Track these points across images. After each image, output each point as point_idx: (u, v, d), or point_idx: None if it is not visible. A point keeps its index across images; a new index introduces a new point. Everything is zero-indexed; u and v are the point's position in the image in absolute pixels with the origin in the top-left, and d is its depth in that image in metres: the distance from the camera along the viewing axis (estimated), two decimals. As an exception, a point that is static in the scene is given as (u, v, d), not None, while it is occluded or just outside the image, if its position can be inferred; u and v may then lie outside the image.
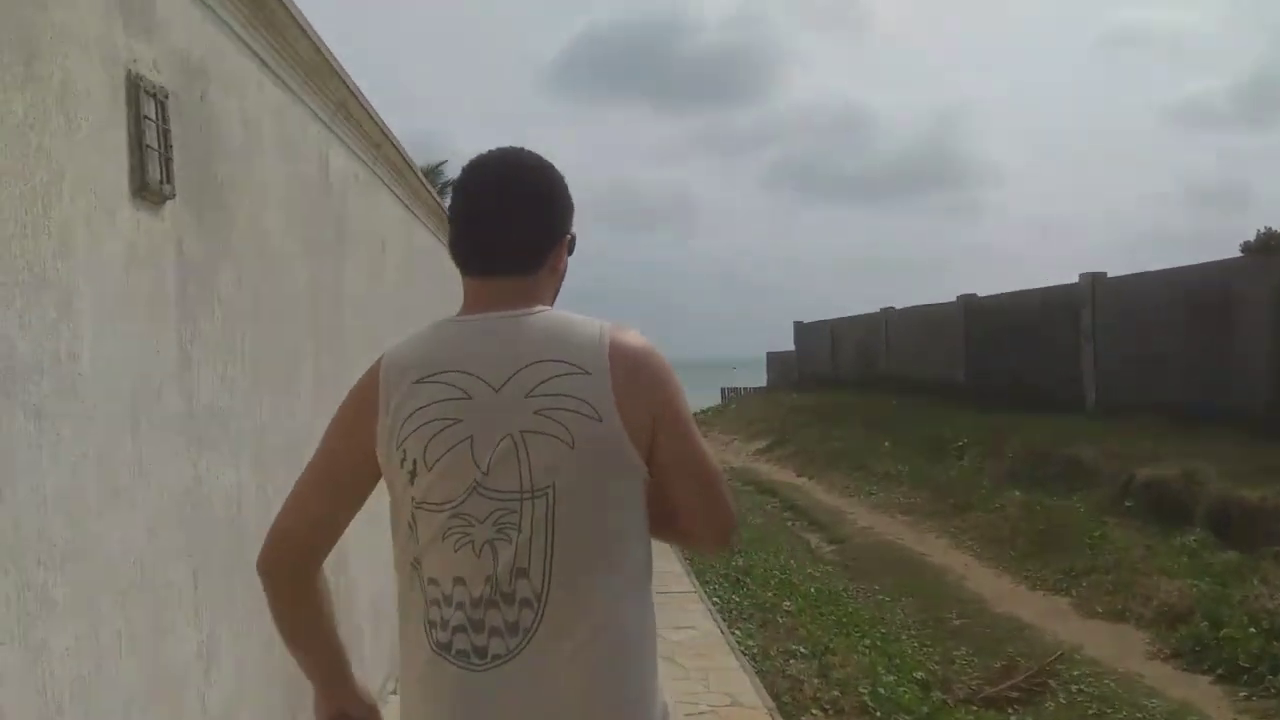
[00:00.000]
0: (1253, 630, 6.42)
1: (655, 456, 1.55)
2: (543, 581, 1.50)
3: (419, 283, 7.05)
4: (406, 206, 6.97)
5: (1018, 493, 11.16)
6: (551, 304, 1.66)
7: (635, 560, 1.57)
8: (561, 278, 1.71)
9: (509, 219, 1.63)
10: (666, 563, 8.89)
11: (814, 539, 11.15)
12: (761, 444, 20.50)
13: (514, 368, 1.52)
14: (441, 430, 1.52)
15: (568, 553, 1.50)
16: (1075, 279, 16.00)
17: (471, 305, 1.63)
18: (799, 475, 15.99)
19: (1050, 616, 7.67)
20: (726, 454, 20.82)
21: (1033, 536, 9.61)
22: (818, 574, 9.26)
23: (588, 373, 1.50)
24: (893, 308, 23.65)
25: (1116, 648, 6.84)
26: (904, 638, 7.27)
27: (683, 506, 1.61)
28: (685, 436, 1.58)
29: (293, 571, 1.61)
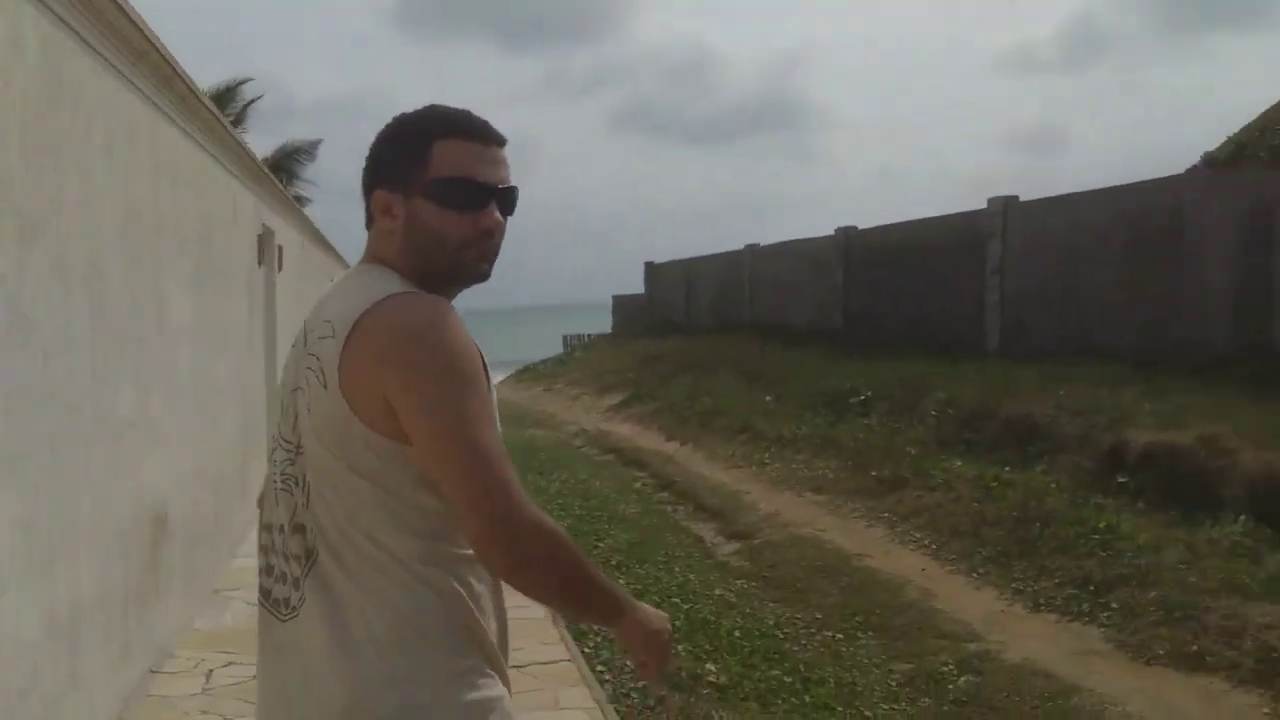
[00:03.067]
0: None
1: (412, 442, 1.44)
2: (313, 537, 1.50)
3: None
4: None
5: (959, 462, 8.80)
6: (412, 257, 1.58)
7: (393, 543, 1.47)
8: (409, 233, 1.58)
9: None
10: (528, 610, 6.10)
11: (708, 534, 8.51)
12: (615, 399, 17.82)
13: (315, 322, 1.55)
14: (283, 378, 1.61)
15: (319, 514, 1.49)
16: (984, 203, 13.84)
17: None
18: (668, 440, 13.35)
19: (1089, 663, 5.24)
20: (574, 411, 18.07)
21: (1005, 527, 7.22)
22: (732, 597, 6.61)
23: (334, 336, 1.48)
24: (757, 244, 21.28)
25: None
26: None
27: (448, 502, 1.44)
28: (418, 414, 1.41)
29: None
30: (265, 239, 8.79)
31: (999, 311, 13.50)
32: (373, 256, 1.61)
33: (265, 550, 1.59)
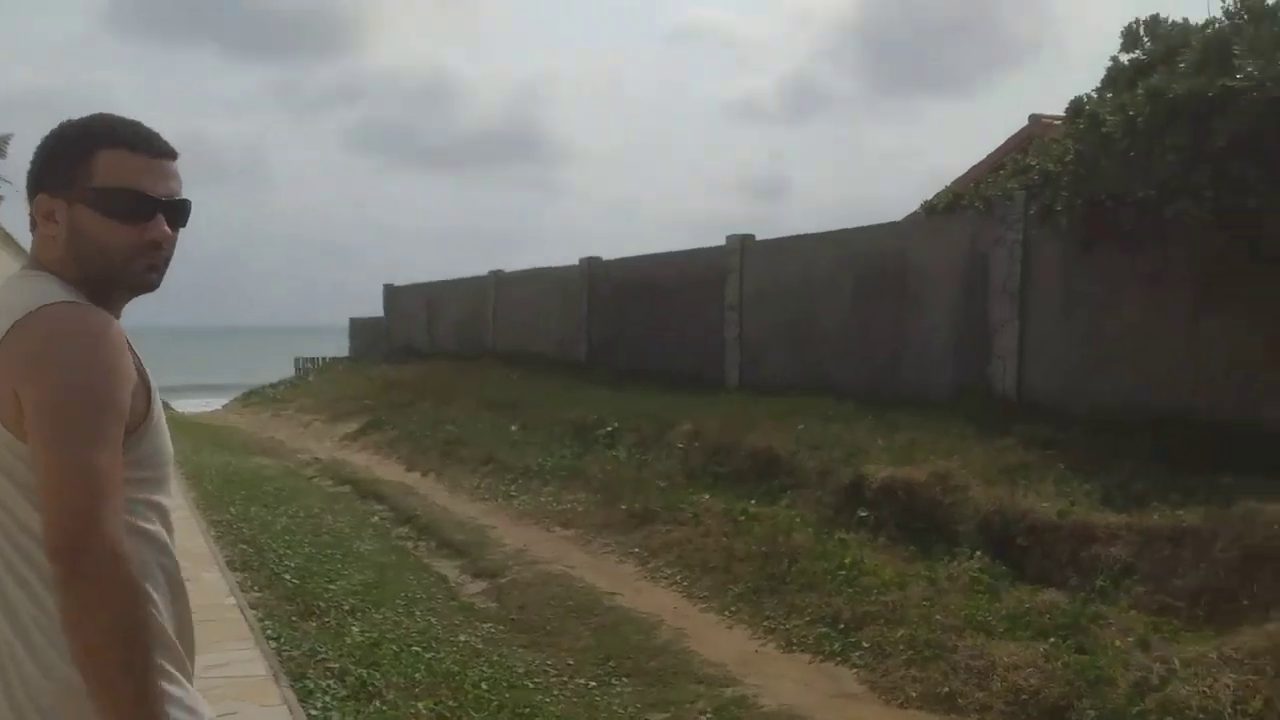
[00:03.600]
0: None
1: None
2: None
3: None
4: None
5: (707, 495, 8.71)
6: (74, 266, 1.57)
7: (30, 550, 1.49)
8: (68, 235, 1.58)
9: None
10: (238, 651, 5.39)
11: (453, 573, 7.97)
12: (351, 426, 16.85)
13: None
14: None
15: None
16: (723, 240, 14.04)
17: None
18: (409, 470, 12.66)
19: (845, 708, 5.13)
20: (306, 439, 16.97)
21: (754, 562, 7.12)
22: (479, 643, 6.13)
23: None
24: (501, 270, 20.87)
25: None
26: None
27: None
28: (40, 407, 1.44)
29: None
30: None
31: (738, 347, 13.71)
32: (36, 262, 1.60)
33: None
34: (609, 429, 11.52)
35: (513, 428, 13.09)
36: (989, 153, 15.60)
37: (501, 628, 6.54)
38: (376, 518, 10.03)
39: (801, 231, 13.22)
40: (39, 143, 1.62)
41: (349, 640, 5.84)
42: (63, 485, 1.41)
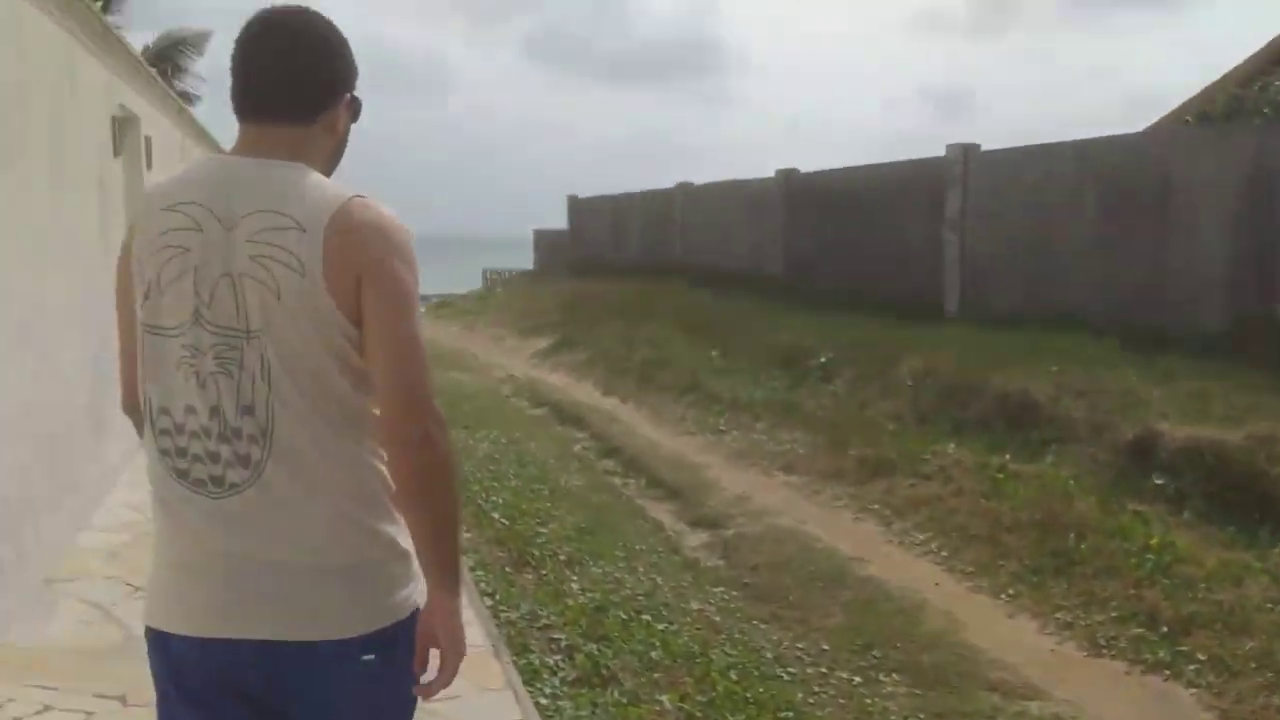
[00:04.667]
0: None
1: (363, 321, 1.53)
2: (268, 418, 1.53)
3: None
4: None
5: (951, 446, 7.55)
6: (324, 165, 1.66)
7: (358, 419, 1.58)
8: (341, 142, 1.71)
9: (284, 66, 1.61)
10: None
11: (668, 519, 7.12)
12: (542, 343, 16.27)
13: (246, 211, 1.53)
14: (172, 257, 1.54)
15: (286, 396, 1.52)
16: (943, 151, 12.54)
17: (237, 147, 1.63)
18: (606, 394, 11.89)
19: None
20: (499, 355, 16.48)
21: (1028, 534, 5.97)
22: (714, 613, 5.24)
23: (304, 230, 1.51)
24: (689, 183, 19.76)
25: None
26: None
27: (378, 385, 1.56)
28: (387, 299, 1.53)
29: (132, 407, 1.69)
30: (125, 125, 7.00)
31: (959, 269, 12.29)
32: (293, 153, 1.61)
33: (171, 434, 1.57)
34: (822, 360, 10.41)
35: (713, 353, 12.13)
36: (1265, 44, 13.30)
37: (735, 594, 5.63)
38: (579, 446, 9.28)
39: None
40: (325, 41, 1.65)
41: (571, 603, 5.04)
42: (411, 364, 1.54)
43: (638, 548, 6.20)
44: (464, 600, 4.46)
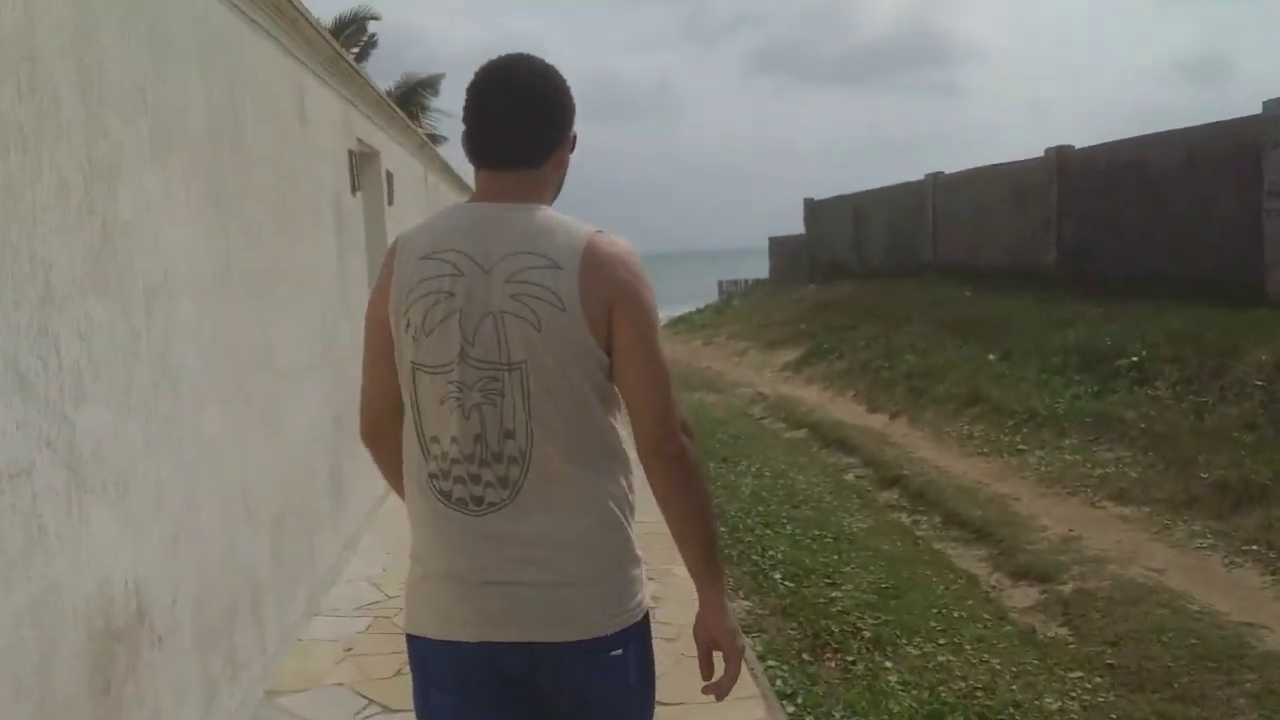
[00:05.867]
0: None
1: (613, 344, 1.66)
2: (526, 441, 1.66)
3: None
4: None
5: (1345, 464, 5.88)
6: (552, 200, 1.77)
7: (605, 439, 1.70)
8: (563, 176, 1.81)
9: (516, 117, 1.71)
10: (741, 707, 3.62)
11: (981, 568, 5.84)
12: (789, 354, 15.15)
13: (502, 254, 1.65)
14: (437, 301, 1.67)
15: (544, 420, 1.65)
16: (1258, 109, 10.52)
17: (479, 194, 1.75)
18: (871, 410, 10.64)
19: None
20: (743, 369, 15.49)
21: None
22: (1077, 711, 3.97)
23: (560, 267, 1.63)
24: (940, 173, 18.12)
25: None
26: None
27: (631, 405, 1.70)
28: (636, 324, 1.66)
29: (374, 435, 1.85)
30: (363, 159, 6.45)
31: (1287, 242, 10.26)
32: (528, 194, 1.72)
33: (439, 459, 1.69)
34: (1134, 359, 8.77)
35: (990, 357, 10.65)
36: None
37: (1100, 680, 4.30)
38: (851, 475, 8.10)
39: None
40: (550, 88, 1.74)
41: (895, 707, 3.91)
42: (663, 384, 1.69)
43: (955, 614, 4.97)
44: (756, 698, 3.45)
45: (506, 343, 1.64)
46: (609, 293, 1.64)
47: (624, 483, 1.73)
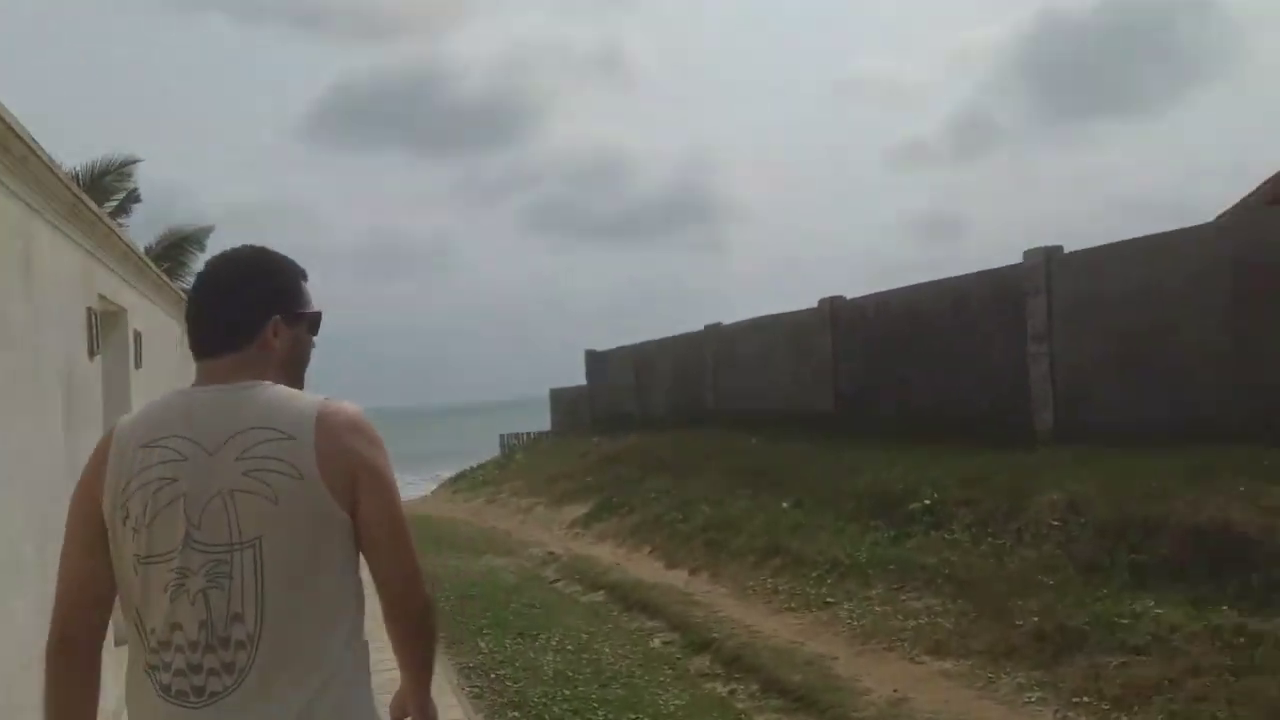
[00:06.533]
0: None
1: (357, 513, 1.71)
2: (255, 624, 1.63)
3: None
4: None
5: (1152, 603, 5.85)
6: (282, 377, 1.81)
7: (345, 602, 1.73)
8: (291, 353, 1.87)
9: (215, 308, 1.83)
10: None
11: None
12: (579, 509, 14.59)
13: (228, 434, 1.67)
14: (160, 489, 1.65)
15: (277, 598, 1.64)
16: (1019, 258, 11.18)
17: (198, 380, 1.79)
18: (670, 566, 10.18)
19: None
20: (531, 528, 14.77)
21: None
22: None
23: (293, 438, 1.67)
24: (720, 323, 18.45)
25: None
26: None
27: (377, 573, 1.74)
28: (380, 492, 1.72)
29: (66, 642, 1.71)
30: (107, 319, 5.58)
31: (1050, 384, 10.78)
32: (247, 374, 1.78)
33: (159, 651, 1.64)
34: (925, 502, 8.76)
35: (784, 505, 10.48)
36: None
37: None
38: (658, 641, 7.53)
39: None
40: (258, 271, 1.88)
41: None
42: (408, 543, 1.74)
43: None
44: None
45: (237, 521, 1.64)
46: (348, 460, 1.69)
47: (362, 641, 1.77)
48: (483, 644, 7.32)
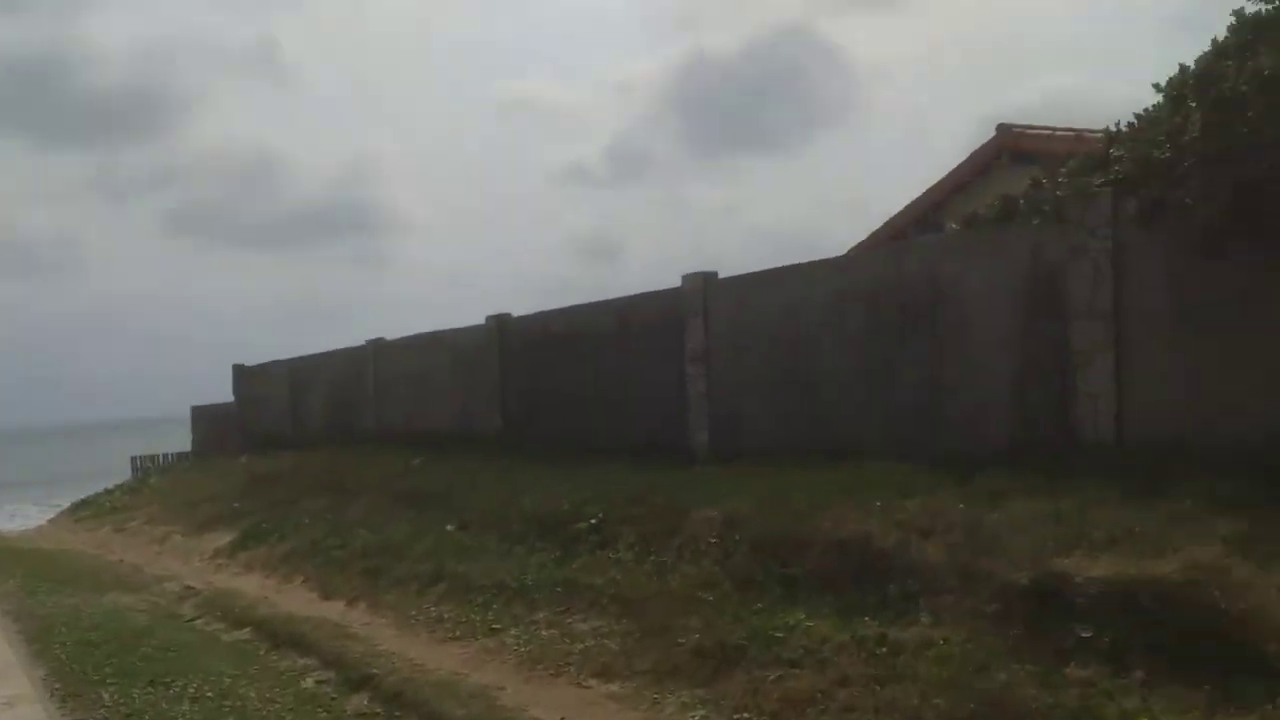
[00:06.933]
0: None
1: None
2: None
3: None
4: None
5: (803, 615, 6.14)
6: None
7: None
8: None
9: None
10: None
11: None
12: (223, 538, 13.44)
13: None
14: None
15: None
16: (679, 282, 11.60)
17: None
18: (326, 598, 9.53)
19: None
20: (167, 560, 13.44)
21: (969, 731, 4.60)
22: None
23: None
24: (382, 339, 17.78)
25: None
26: None
27: None
28: None
29: None
30: None
31: (705, 406, 11.24)
32: None
33: None
34: (591, 522, 8.80)
35: (448, 527, 10.18)
36: (944, 175, 13.82)
37: None
38: (311, 681, 6.96)
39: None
40: None
41: None
42: None
43: None
44: None
45: None
46: None
47: None
48: (106, 695, 6.45)
